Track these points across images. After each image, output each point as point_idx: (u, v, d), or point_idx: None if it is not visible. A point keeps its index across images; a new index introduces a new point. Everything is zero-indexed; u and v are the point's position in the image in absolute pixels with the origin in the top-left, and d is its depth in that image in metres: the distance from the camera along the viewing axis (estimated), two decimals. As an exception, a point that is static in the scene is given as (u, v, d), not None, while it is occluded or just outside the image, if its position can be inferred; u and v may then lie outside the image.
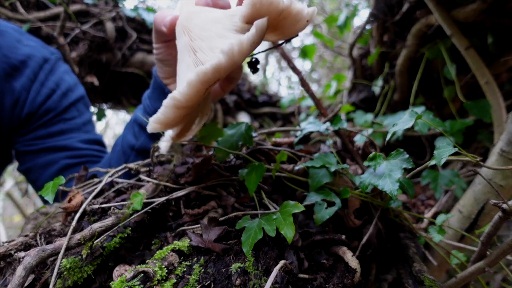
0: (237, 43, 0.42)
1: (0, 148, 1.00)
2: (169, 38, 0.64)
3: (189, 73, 0.51)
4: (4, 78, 0.90)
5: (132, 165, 0.69)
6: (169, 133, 0.63)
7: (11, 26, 1.00)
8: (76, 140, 0.98)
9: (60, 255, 0.46)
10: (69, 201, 0.59)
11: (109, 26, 1.42)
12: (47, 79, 0.97)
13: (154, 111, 0.76)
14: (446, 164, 1.04)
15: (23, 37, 0.98)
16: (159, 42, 0.68)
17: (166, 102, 0.46)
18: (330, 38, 2.10)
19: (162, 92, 0.75)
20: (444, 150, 0.52)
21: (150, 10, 1.60)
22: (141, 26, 1.58)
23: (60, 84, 0.99)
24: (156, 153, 0.67)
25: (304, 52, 1.73)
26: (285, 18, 0.45)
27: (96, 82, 1.40)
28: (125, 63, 1.51)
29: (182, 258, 0.50)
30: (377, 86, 1.26)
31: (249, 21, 0.45)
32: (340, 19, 1.55)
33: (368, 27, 1.34)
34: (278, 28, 0.50)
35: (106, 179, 0.64)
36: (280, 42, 0.58)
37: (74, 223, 0.50)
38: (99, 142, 1.04)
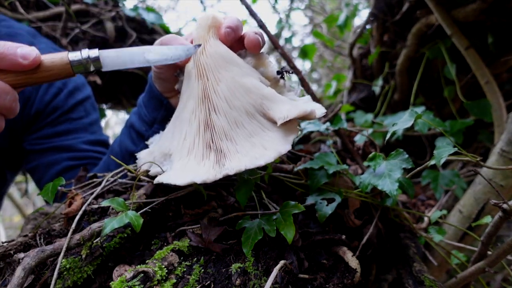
0: (276, 154, 0.49)
1: (14, 147, 1.01)
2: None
3: (187, 127, 0.55)
4: None
5: (131, 167, 0.69)
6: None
7: (25, 28, 1.02)
8: (81, 140, 0.99)
9: (60, 257, 0.46)
10: (69, 204, 0.59)
11: (109, 25, 1.41)
12: None
13: (152, 120, 0.76)
14: (446, 164, 1.04)
15: (35, 40, 1.01)
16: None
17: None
18: (330, 38, 2.10)
19: (160, 103, 0.73)
20: (444, 150, 0.52)
21: (150, 10, 1.60)
22: (141, 26, 1.57)
23: (67, 83, 1.01)
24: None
25: (304, 52, 1.73)
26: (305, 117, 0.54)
27: (98, 81, 1.40)
28: (125, 63, 1.50)
29: (182, 258, 0.50)
30: (377, 86, 1.25)
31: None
32: (340, 18, 1.55)
33: (368, 26, 1.33)
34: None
35: (105, 181, 0.64)
36: None
37: (73, 225, 0.50)
38: (104, 143, 1.05)
